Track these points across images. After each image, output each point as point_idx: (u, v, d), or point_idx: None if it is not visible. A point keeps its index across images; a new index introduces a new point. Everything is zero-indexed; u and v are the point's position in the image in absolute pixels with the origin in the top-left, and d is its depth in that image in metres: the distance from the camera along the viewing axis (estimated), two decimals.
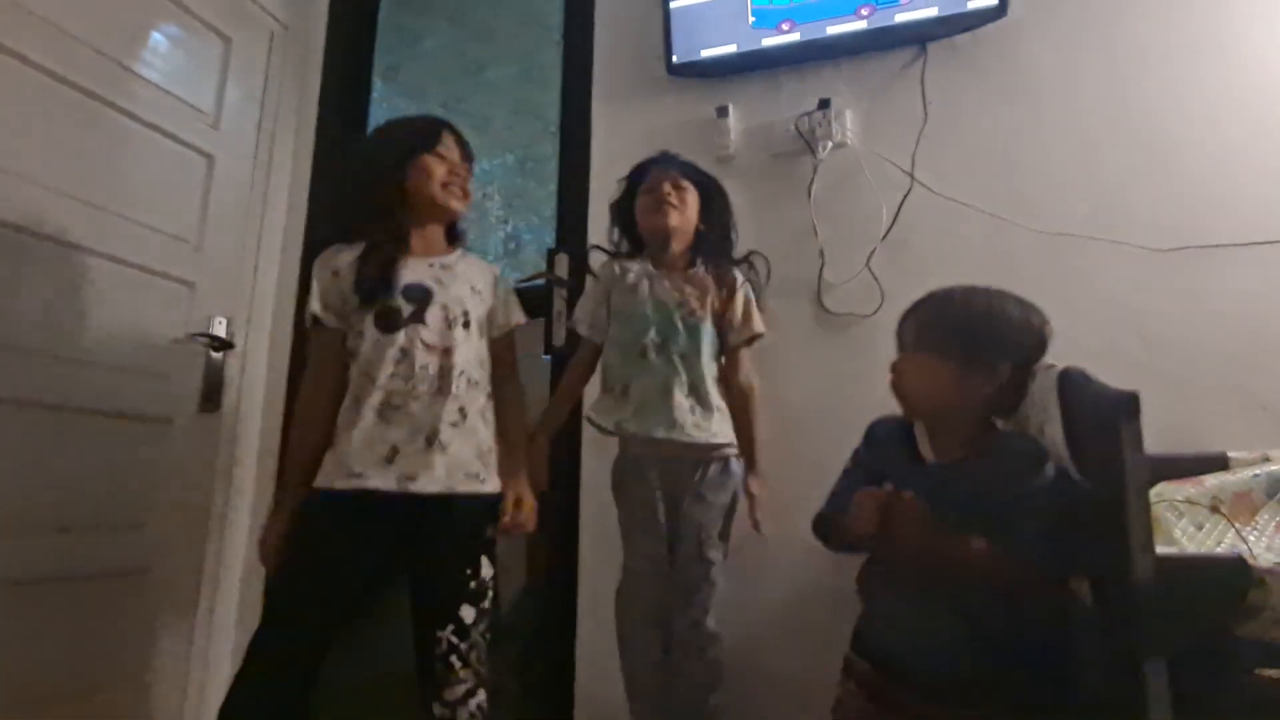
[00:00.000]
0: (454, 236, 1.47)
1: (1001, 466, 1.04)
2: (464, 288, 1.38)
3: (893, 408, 1.24)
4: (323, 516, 1.25)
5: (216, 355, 1.84)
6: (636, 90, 1.91)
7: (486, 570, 1.32)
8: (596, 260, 1.65)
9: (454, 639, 1.25)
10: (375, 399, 1.27)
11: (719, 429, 1.42)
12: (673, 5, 1.83)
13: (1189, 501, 1.22)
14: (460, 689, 1.25)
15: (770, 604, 1.55)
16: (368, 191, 1.38)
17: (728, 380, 1.48)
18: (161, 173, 1.77)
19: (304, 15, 2.18)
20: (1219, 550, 1.14)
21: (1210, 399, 1.40)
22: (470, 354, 1.34)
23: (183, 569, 1.77)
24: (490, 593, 1.32)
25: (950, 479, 1.06)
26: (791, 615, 1.52)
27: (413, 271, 1.35)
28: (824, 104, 1.71)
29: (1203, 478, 1.25)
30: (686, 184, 1.46)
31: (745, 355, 1.49)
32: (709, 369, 1.43)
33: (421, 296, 1.33)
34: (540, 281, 1.90)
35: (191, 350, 1.81)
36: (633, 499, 1.44)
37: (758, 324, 1.49)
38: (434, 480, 1.26)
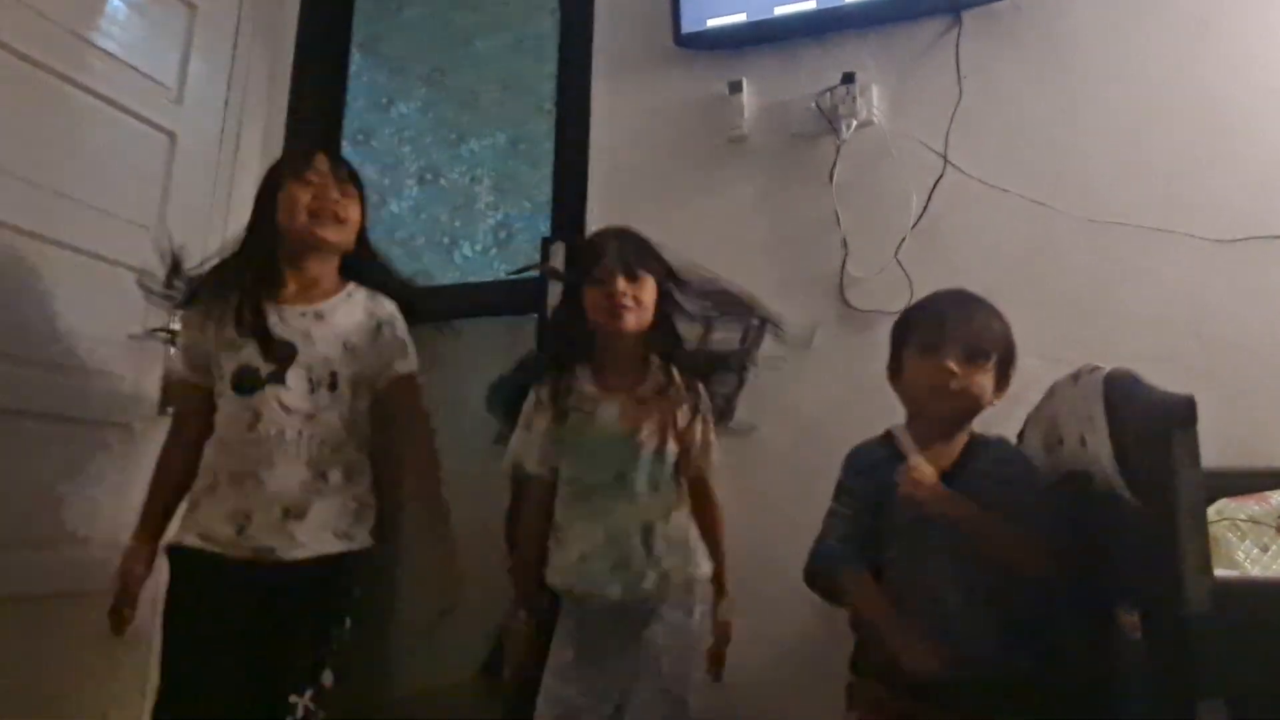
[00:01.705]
0: (352, 270, 1.44)
1: (993, 474, 1.14)
2: (334, 345, 1.37)
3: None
4: (188, 588, 1.30)
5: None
6: (640, 63, 1.91)
7: (347, 630, 1.35)
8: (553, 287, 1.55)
9: (311, 706, 1.27)
10: (230, 464, 1.32)
11: (691, 568, 1.35)
12: None
13: (1253, 520, 1.20)
14: None
15: (778, 639, 1.53)
16: (249, 232, 1.42)
17: (691, 506, 1.40)
18: (118, 151, 1.78)
19: None
20: None
21: (1277, 407, 1.38)
22: (334, 419, 1.35)
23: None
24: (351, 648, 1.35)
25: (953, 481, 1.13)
26: (802, 651, 1.50)
27: (282, 323, 1.35)
28: (848, 78, 1.70)
29: (1269, 494, 1.23)
30: (643, 275, 1.36)
31: (709, 478, 1.42)
32: (669, 503, 1.36)
33: (283, 356, 1.33)
34: (534, 274, 1.90)
35: (150, 348, 1.81)
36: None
37: (715, 455, 1.40)
38: (294, 548, 1.29)
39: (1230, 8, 1.56)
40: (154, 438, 1.78)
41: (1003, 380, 1.20)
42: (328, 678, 1.30)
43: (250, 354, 1.33)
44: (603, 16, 1.96)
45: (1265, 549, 1.18)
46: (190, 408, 1.41)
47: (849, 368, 1.63)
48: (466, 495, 1.83)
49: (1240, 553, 1.17)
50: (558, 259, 1.85)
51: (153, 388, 1.81)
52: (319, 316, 1.38)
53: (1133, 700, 0.97)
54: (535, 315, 1.84)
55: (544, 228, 1.96)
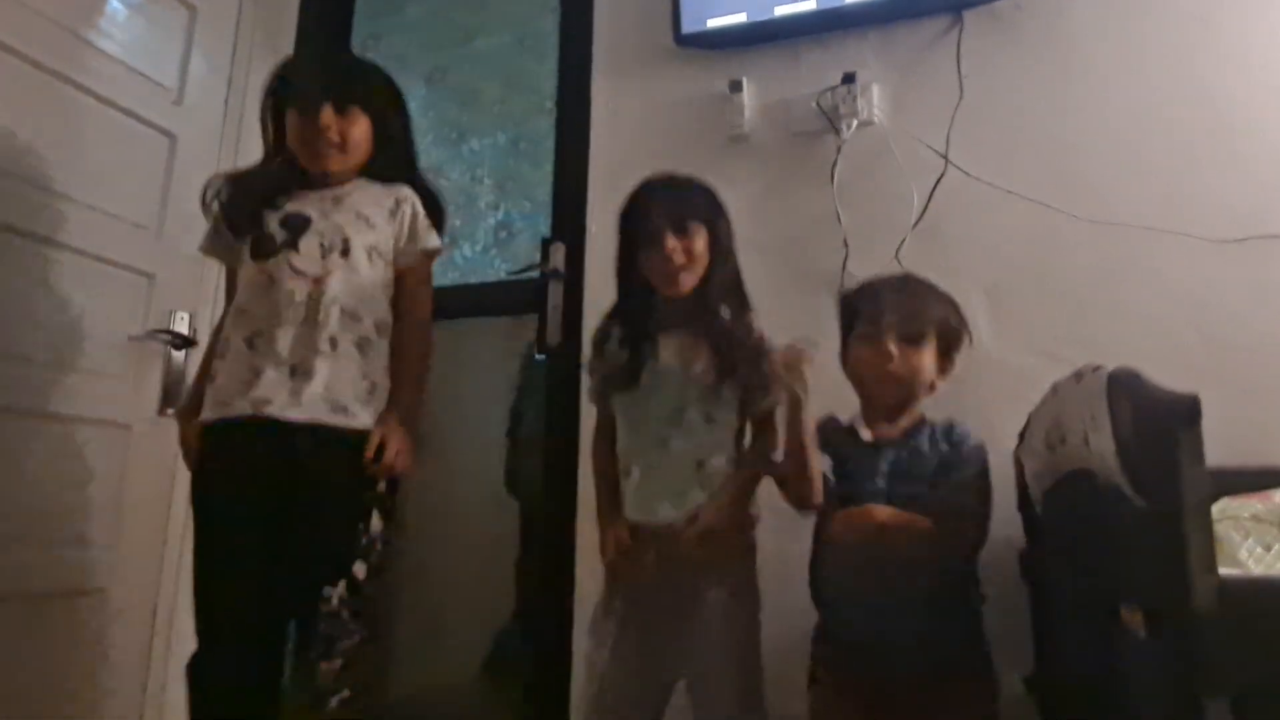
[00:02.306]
0: (377, 174, 1.48)
1: (928, 455, 1.25)
2: (346, 214, 1.41)
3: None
4: (205, 464, 1.34)
5: (178, 354, 1.85)
6: (641, 63, 1.91)
7: (377, 525, 1.34)
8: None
9: (346, 595, 1.28)
10: (243, 328, 1.35)
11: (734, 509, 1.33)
12: None
13: (1256, 519, 1.20)
14: (356, 638, 1.28)
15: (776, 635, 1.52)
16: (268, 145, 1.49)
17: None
18: (119, 153, 1.78)
19: None
20: None
21: (1278, 405, 1.38)
22: (347, 284, 1.37)
23: (139, 588, 1.77)
24: (382, 547, 1.34)
25: (897, 452, 1.26)
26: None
27: (298, 202, 1.41)
28: (849, 78, 1.70)
29: (1272, 493, 1.23)
30: (692, 226, 1.36)
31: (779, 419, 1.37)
32: (722, 442, 1.35)
33: (298, 224, 1.39)
34: (535, 274, 1.90)
35: (150, 348, 1.81)
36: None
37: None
38: (293, 406, 1.30)
39: (1230, 6, 1.56)
40: (155, 437, 1.79)
41: (946, 362, 1.28)
42: (360, 569, 1.30)
43: (270, 226, 1.39)
44: (603, 16, 1.96)
45: (1269, 548, 1.18)
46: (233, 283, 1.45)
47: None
48: (467, 495, 1.84)
49: (1244, 551, 1.17)
50: (558, 259, 1.85)
51: (153, 388, 1.81)
52: (335, 199, 1.43)
53: (1137, 699, 0.97)
54: (536, 315, 1.83)
55: (544, 227, 1.96)
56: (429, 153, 2.15)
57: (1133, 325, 1.48)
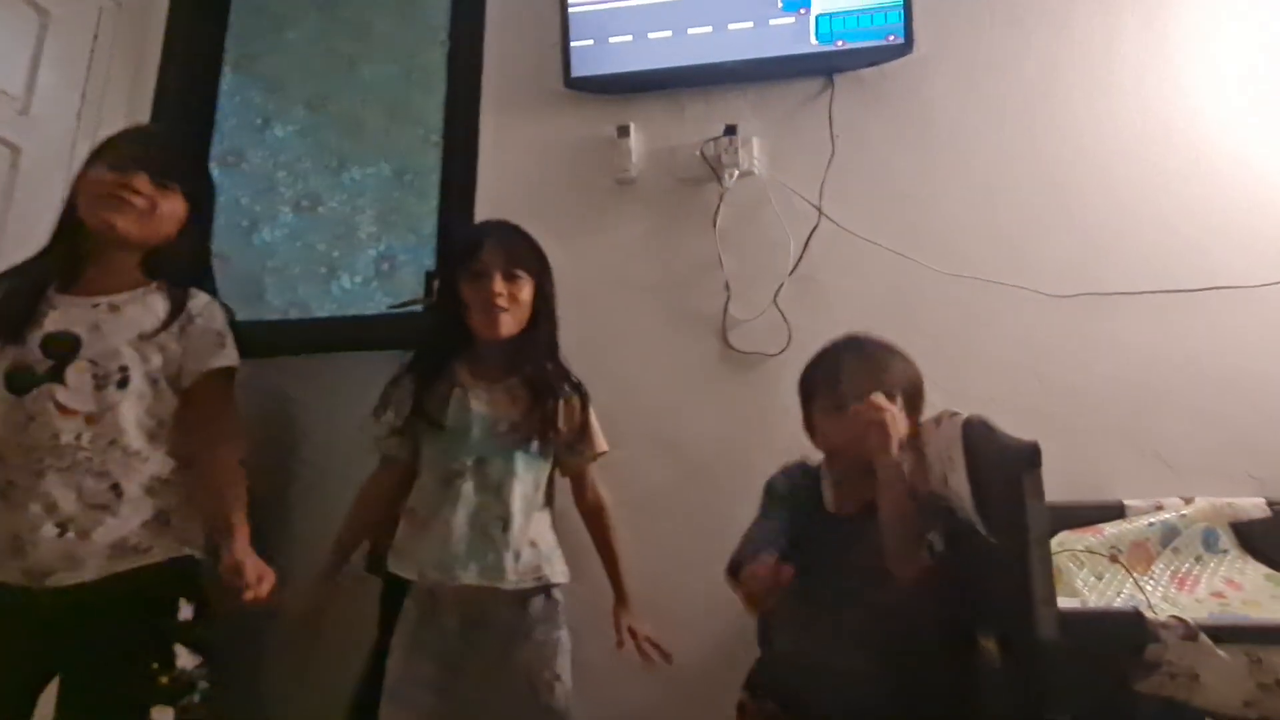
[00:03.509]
0: (157, 269, 1.31)
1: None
2: (126, 335, 1.23)
3: (793, 454, 1.33)
4: None
5: None
6: (530, 102, 1.92)
7: (187, 660, 1.18)
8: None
9: None
10: (2, 477, 1.17)
11: (548, 568, 1.34)
12: (571, 11, 1.85)
13: (1089, 551, 1.33)
14: None
15: (676, 670, 1.54)
16: (57, 221, 1.30)
17: (577, 504, 1.45)
18: None
19: None
20: (1119, 601, 1.24)
21: (1107, 446, 1.53)
22: (128, 420, 1.20)
23: None
24: (198, 684, 1.19)
25: (858, 532, 1.15)
26: (703, 678, 1.51)
27: (65, 316, 1.22)
28: (730, 130, 1.77)
29: (1101, 526, 1.37)
30: (521, 274, 1.37)
31: (592, 472, 1.46)
32: (531, 499, 1.36)
33: (64, 350, 1.20)
34: (417, 308, 1.85)
35: None
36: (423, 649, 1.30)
37: (599, 441, 1.44)
38: (79, 569, 1.14)
39: (1064, 83, 1.73)
40: None
41: (913, 413, 1.24)
42: (163, 716, 1.13)
43: (27, 350, 1.19)
44: (493, 53, 1.96)
45: (1100, 577, 1.30)
46: None
47: (730, 406, 1.68)
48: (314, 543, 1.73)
49: (1079, 581, 1.29)
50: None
51: None
52: (112, 308, 1.24)
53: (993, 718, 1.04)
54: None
55: (429, 261, 1.92)
56: (307, 179, 2.08)
57: (981, 370, 1.60)
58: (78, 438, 1.17)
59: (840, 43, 1.74)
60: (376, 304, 1.98)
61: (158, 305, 1.28)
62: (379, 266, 2.00)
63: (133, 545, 1.18)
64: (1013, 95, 1.75)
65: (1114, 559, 1.32)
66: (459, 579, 1.28)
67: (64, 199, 1.31)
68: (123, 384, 1.21)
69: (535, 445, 1.35)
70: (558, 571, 1.36)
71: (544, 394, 1.36)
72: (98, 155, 1.31)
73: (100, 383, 1.20)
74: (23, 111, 1.77)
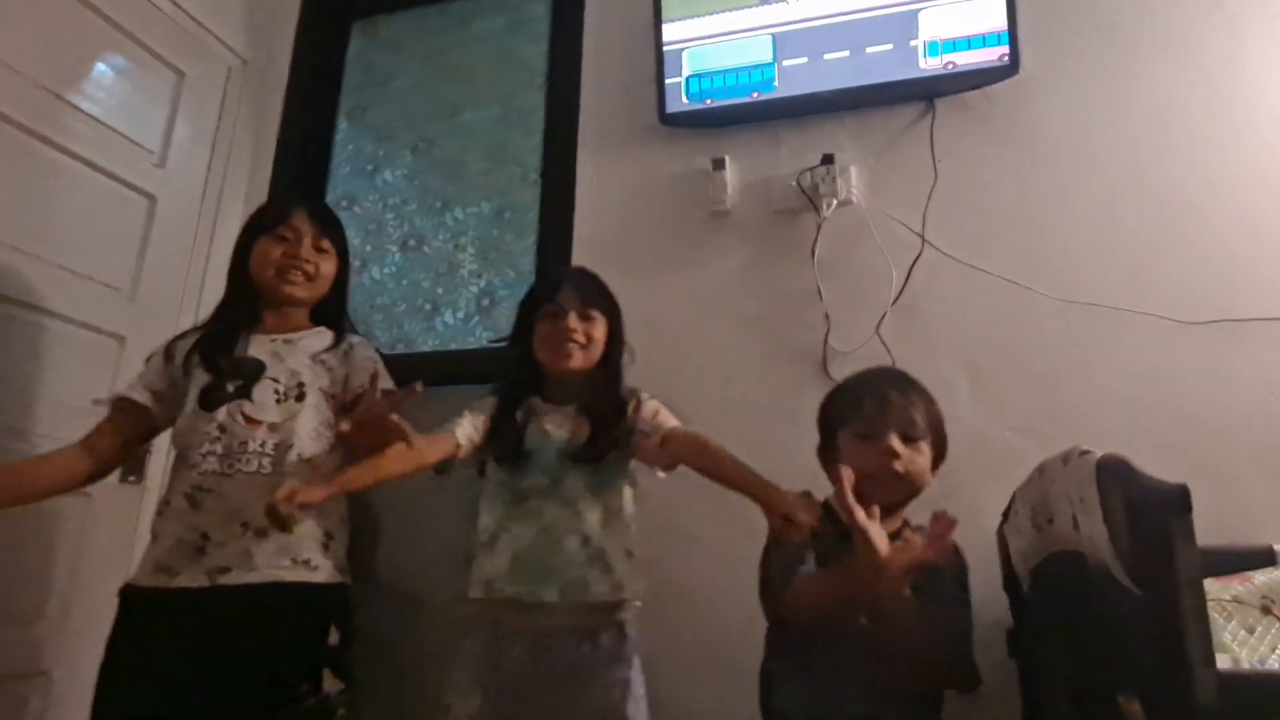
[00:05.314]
0: (323, 318, 1.49)
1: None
2: (302, 360, 1.40)
3: None
4: (134, 629, 1.24)
5: None
6: (625, 139, 1.93)
7: (331, 684, 1.24)
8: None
9: None
10: (186, 482, 1.28)
11: (631, 585, 1.31)
12: (666, 49, 1.86)
13: (1237, 601, 1.21)
14: None
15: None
16: (228, 277, 1.48)
17: (665, 456, 1.36)
18: (96, 213, 1.74)
19: (266, 51, 2.21)
20: (1274, 659, 1.12)
21: (1252, 485, 1.40)
22: (304, 429, 1.34)
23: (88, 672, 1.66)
24: (338, 712, 1.23)
25: None
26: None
27: (250, 348, 1.39)
28: (827, 159, 1.74)
29: (1250, 574, 1.24)
30: (595, 314, 1.41)
31: (666, 418, 1.38)
32: (608, 515, 1.34)
33: (250, 371, 1.36)
34: None
35: None
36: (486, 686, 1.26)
37: (670, 418, 1.38)
38: (251, 571, 1.23)
39: (1183, 100, 1.63)
40: (116, 505, 1.71)
41: (938, 460, 1.22)
42: None
43: (221, 376, 1.35)
44: (589, 92, 2.00)
45: (1251, 630, 1.18)
46: (115, 423, 1.37)
47: None
48: (438, 572, 1.75)
49: (1227, 634, 1.17)
50: None
51: None
52: (288, 341, 1.42)
53: None
54: None
55: None
56: (412, 220, 2.15)
57: (1105, 403, 1.50)
58: (262, 445, 1.30)
59: (949, 64, 1.68)
60: (477, 339, 2.02)
61: (325, 338, 1.46)
62: (480, 302, 2.04)
63: (303, 560, 1.27)
64: (1126, 115, 1.65)
65: (1267, 610, 1.19)
66: (540, 597, 1.27)
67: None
68: (300, 398, 1.36)
69: (609, 460, 1.36)
70: (638, 590, 1.33)
71: (606, 419, 1.37)
72: (261, 225, 1.45)
73: (280, 397, 1.34)
74: (159, 164, 1.90)
